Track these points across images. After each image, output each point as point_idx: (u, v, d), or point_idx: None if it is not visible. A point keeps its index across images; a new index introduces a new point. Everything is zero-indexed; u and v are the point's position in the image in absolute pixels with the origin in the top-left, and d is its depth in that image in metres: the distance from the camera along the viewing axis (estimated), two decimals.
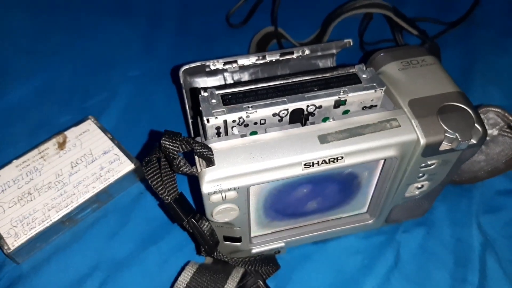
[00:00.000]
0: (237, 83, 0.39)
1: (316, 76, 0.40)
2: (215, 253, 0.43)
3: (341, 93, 0.38)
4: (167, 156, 0.35)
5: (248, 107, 0.36)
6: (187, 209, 0.39)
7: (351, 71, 0.40)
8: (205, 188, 0.35)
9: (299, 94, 0.38)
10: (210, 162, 0.35)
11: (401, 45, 0.69)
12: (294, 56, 0.50)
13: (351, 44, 0.50)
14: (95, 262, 0.49)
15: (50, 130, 0.58)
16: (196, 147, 0.35)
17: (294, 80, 0.39)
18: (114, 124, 0.61)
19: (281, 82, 0.39)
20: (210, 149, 0.35)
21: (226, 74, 0.51)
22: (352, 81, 0.39)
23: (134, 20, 0.76)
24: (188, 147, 0.35)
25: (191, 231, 0.40)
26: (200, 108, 0.36)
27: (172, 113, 0.63)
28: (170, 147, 0.35)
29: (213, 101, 0.37)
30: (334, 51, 0.52)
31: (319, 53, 0.52)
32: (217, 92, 0.38)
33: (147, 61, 0.70)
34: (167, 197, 0.38)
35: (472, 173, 0.52)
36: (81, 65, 0.69)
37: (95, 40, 0.73)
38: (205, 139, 0.38)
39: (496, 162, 0.51)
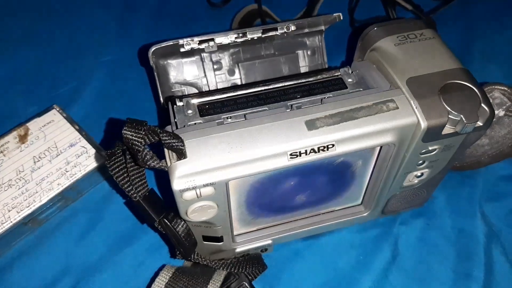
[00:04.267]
0: (215, 90, 0.39)
1: (299, 82, 0.38)
2: (193, 255, 0.38)
3: (325, 99, 0.35)
4: (130, 149, 0.31)
5: (227, 117, 0.34)
6: (159, 207, 0.35)
7: (336, 74, 0.39)
8: (176, 184, 0.31)
9: (281, 102, 0.36)
10: (181, 154, 0.31)
11: None
12: (278, 33, 0.46)
13: (341, 18, 0.46)
14: (64, 266, 0.46)
15: (16, 122, 0.53)
16: (164, 138, 0.30)
17: (276, 86, 0.38)
18: (85, 114, 0.57)
19: (262, 88, 0.37)
20: (180, 140, 0.31)
21: (204, 54, 0.47)
22: (337, 86, 0.37)
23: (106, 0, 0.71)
24: (155, 137, 0.31)
25: (163, 232, 0.35)
26: (175, 120, 0.34)
27: (148, 101, 0.59)
28: (133, 138, 0.30)
29: (189, 111, 0.35)
30: (322, 27, 0.48)
31: (306, 30, 0.48)
32: (193, 101, 0.36)
33: (121, 45, 0.65)
34: (135, 194, 0.34)
35: (474, 158, 0.49)
36: (49, 51, 0.64)
37: (63, 24, 0.67)
38: (177, 128, 0.34)
39: (501, 145, 0.47)
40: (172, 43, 0.43)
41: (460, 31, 0.66)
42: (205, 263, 0.39)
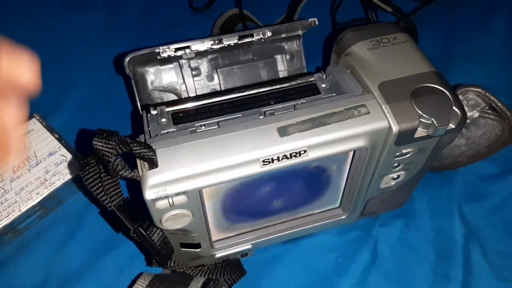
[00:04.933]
0: (190, 98, 0.39)
1: (273, 88, 0.38)
2: (169, 263, 0.38)
3: (298, 106, 0.35)
4: (101, 159, 0.31)
5: (201, 125, 0.34)
6: (134, 216, 0.35)
7: (310, 80, 0.38)
8: (148, 194, 0.31)
9: (254, 109, 0.36)
10: (152, 163, 0.31)
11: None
12: (255, 39, 0.45)
13: (316, 23, 0.46)
14: (44, 276, 0.45)
15: None
16: (135, 148, 0.30)
17: (250, 93, 0.38)
18: (66, 122, 0.56)
19: (237, 95, 0.37)
20: (151, 149, 0.31)
21: (182, 61, 0.46)
22: (311, 92, 0.37)
23: (89, 7, 0.70)
24: (126, 147, 0.31)
25: (139, 240, 0.35)
26: (149, 128, 0.34)
27: (130, 109, 0.58)
28: (104, 148, 0.30)
29: (163, 120, 0.35)
30: (300, 32, 0.48)
31: (284, 35, 0.47)
32: (167, 109, 0.36)
33: (104, 52, 0.64)
34: (109, 204, 0.34)
35: (452, 159, 0.49)
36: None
37: (46, 31, 0.67)
38: (150, 137, 0.33)
39: (478, 146, 0.47)
40: (148, 51, 0.42)
41: (443, 33, 0.66)
42: (181, 270, 0.39)
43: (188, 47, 0.43)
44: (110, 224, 0.48)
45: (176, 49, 0.43)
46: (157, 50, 0.43)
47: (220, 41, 0.44)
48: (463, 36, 0.66)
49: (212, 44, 0.44)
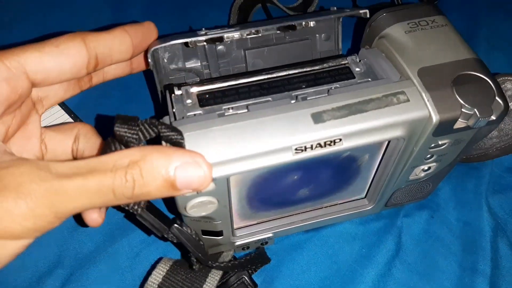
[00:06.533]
0: (215, 78, 0.36)
1: (304, 70, 0.36)
2: (210, 263, 0.36)
3: (332, 90, 0.33)
4: (125, 147, 0.28)
5: (228, 108, 0.32)
6: (162, 215, 0.32)
7: (343, 63, 0.36)
8: None
9: (285, 92, 0.34)
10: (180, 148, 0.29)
11: None
12: (296, 28, 0.41)
13: (368, 15, 0.39)
14: (57, 258, 0.44)
15: None
16: (163, 130, 0.28)
17: (280, 74, 0.35)
18: (79, 103, 0.53)
19: (265, 77, 0.35)
20: (179, 132, 0.29)
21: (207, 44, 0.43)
22: (345, 76, 0.35)
23: None
24: (154, 129, 0.28)
25: (175, 241, 0.33)
26: (173, 110, 0.32)
27: (144, 88, 0.55)
28: (128, 134, 0.28)
29: (188, 101, 0.33)
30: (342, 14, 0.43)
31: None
32: (192, 90, 0.34)
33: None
34: (135, 207, 0.29)
35: (482, 151, 0.47)
36: (41, 37, 0.60)
37: (57, 7, 0.64)
38: (175, 119, 0.32)
39: (511, 138, 0.45)
40: (177, 43, 0.38)
41: (465, 18, 0.63)
42: (215, 267, 0.36)
43: (220, 38, 0.38)
44: (141, 228, 0.45)
45: (207, 41, 0.39)
46: (186, 41, 0.37)
47: (257, 32, 0.40)
48: (486, 21, 0.63)
49: (247, 34, 0.41)
